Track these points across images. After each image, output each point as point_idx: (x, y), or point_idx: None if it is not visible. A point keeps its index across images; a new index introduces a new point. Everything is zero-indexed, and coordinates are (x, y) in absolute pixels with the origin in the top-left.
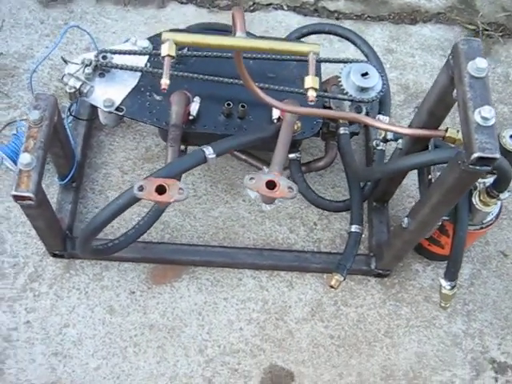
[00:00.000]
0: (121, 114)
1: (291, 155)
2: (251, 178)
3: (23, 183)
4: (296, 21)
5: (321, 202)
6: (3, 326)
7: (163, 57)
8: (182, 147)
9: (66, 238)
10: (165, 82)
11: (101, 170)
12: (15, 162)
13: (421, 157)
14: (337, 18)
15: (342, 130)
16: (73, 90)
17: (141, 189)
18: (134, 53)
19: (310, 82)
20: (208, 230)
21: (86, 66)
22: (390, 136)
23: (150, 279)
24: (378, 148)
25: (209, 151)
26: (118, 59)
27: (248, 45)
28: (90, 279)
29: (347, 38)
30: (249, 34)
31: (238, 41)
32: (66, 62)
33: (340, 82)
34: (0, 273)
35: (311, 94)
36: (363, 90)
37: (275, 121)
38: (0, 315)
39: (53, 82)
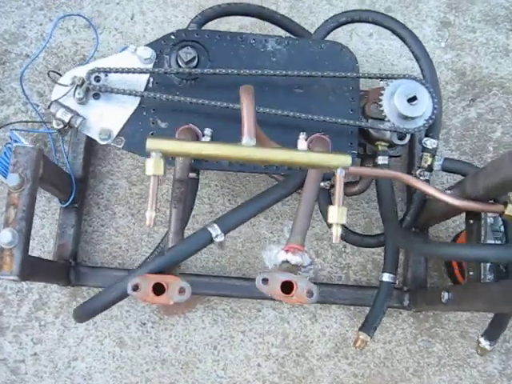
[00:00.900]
0: (119, 146)
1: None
2: (264, 280)
3: (6, 264)
4: None
5: (351, 237)
6: (10, 358)
7: (148, 176)
8: (194, 175)
9: (69, 270)
10: (150, 215)
11: (106, 181)
12: (5, 177)
13: (473, 250)
14: None
15: (380, 160)
16: (61, 126)
17: (135, 288)
18: (133, 71)
19: (335, 215)
20: (225, 253)
21: (77, 86)
22: (436, 166)
23: (162, 309)
24: (422, 179)
25: (216, 232)
26: (114, 76)
27: (256, 157)
28: None
29: (396, 33)
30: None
31: (244, 151)
32: (54, 76)
33: (381, 104)
34: (4, 299)
35: (335, 232)
36: (408, 118)
37: None
38: (6, 346)
39: (49, 69)
